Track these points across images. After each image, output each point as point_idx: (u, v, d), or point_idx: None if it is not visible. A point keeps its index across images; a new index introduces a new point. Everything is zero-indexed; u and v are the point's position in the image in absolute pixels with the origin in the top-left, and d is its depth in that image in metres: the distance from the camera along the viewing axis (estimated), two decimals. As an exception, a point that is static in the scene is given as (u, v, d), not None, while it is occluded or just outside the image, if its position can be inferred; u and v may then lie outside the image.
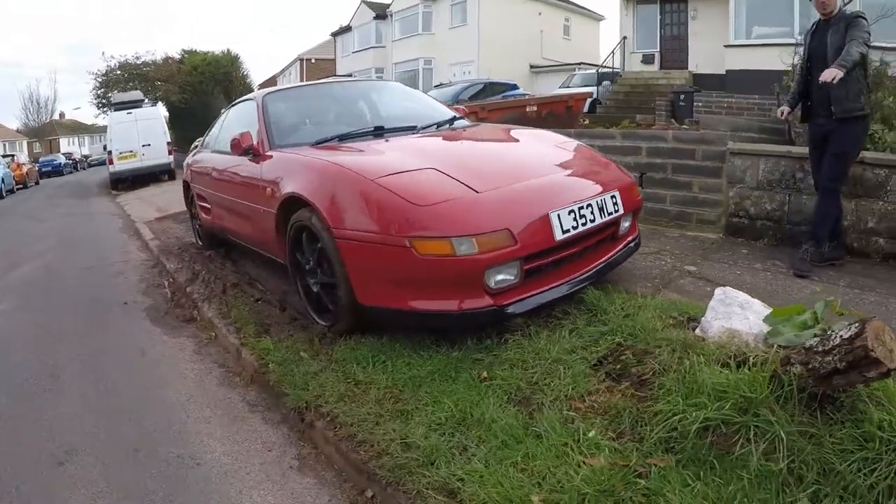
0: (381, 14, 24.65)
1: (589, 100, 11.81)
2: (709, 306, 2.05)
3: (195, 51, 19.66)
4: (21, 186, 17.44)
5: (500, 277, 2.02)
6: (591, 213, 2.30)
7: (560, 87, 14.73)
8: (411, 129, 3.10)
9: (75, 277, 4.68)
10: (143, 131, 12.53)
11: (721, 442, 1.48)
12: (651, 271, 3.07)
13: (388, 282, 2.13)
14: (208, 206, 4.17)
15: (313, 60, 30.68)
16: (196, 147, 4.97)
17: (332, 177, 2.34)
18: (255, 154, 3.05)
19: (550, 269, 2.23)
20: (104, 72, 17.29)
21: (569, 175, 2.49)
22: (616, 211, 2.46)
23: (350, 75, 22.36)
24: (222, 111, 4.54)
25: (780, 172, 3.49)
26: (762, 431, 1.43)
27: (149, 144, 12.54)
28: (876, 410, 1.46)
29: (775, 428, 1.42)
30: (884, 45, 2.98)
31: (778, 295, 2.65)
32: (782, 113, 3.06)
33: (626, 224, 2.65)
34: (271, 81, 33.22)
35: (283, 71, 34.28)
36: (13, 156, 20.04)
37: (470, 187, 2.11)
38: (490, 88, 12.33)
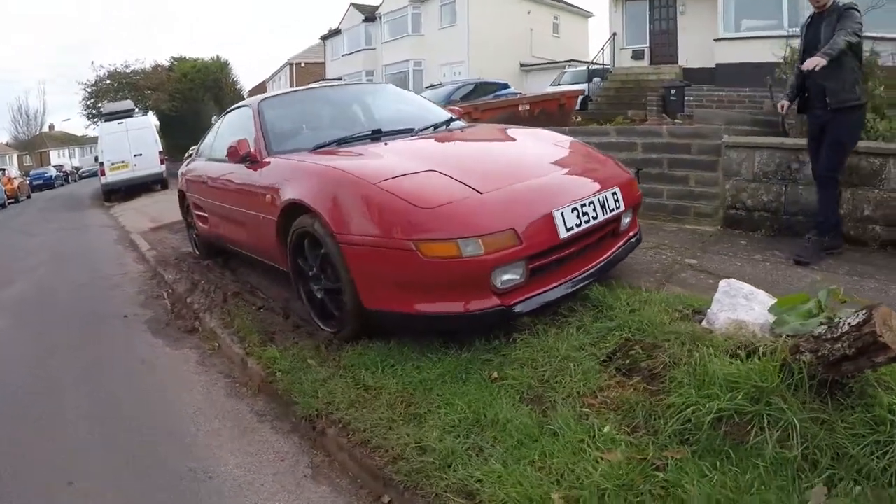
0: (371, 16, 24.66)
1: (580, 97, 11.87)
2: (714, 298, 2.07)
3: (184, 58, 19.58)
4: (13, 201, 17.27)
5: (506, 277, 2.03)
6: (594, 210, 2.31)
7: (551, 85, 14.77)
8: (409, 132, 3.10)
9: (72, 291, 4.64)
10: (135, 141, 12.45)
11: (735, 432, 1.49)
12: (652, 266, 3.09)
13: (394, 285, 2.13)
14: (205, 214, 4.15)
15: (303, 65, 30.62)
16: (190, 156, 4.94)
17: (334, 182, 2.34)
18: (253, 161, 3.04)
19: (555, 268, 2.23)
20: (93, 82, 17.20)
21: (570, 173, 2.50)
22: (617, 207, 2.47)
23: (340, 79, 22.39)
24: (213, 118, 4.53)
25: (775, 164, 3.52)
26: (775, 420, 1.45)
27: (140, 154, 12.46)
28: (885, 394, 1.48)
29: (788, 416, 1.44)
30: (874, 34, 3.01)
31: (779, 285, 2.67)
32: (782, 107, 3.09)
33: (626, 220, 2.66)
34: (261, 87, 33.10)
35: (272, 76, 34.17)
36: (4, 170, 19.85)
37: (473, 188, 2.12)
38: (482, 88, 12.34)
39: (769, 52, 5.77)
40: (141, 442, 2.16)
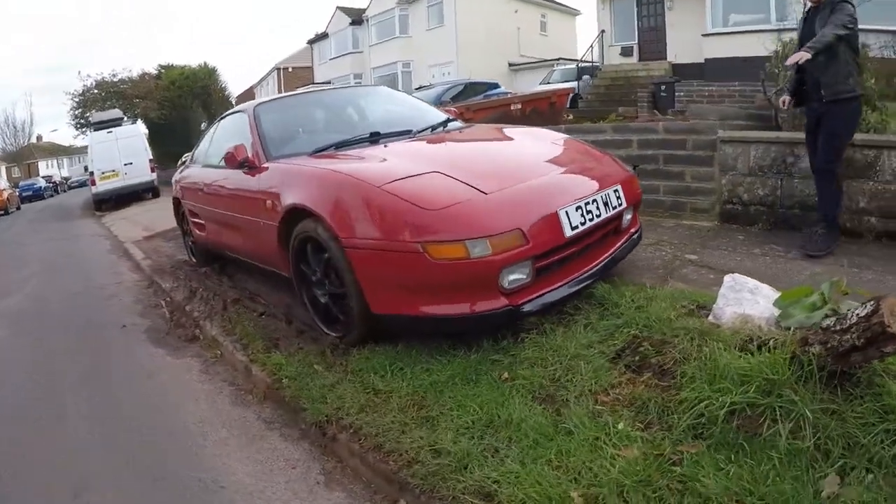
0: (358, 19, 24.61)
1: (570, 95, 11.92)
2: (719, 293, 2.08)
3: (172, 65, 19.45)
4: (2, 213, 17.05)
5: (513, 277, 2.03)
6: (597, 208, 2.32)
7: (540, 84, 14.82)
8: (407, 134, 3.10)
9: (68, 302, 4.58)
10: (125, 150, 12.34)
11: (747, 425, 1.51)
12: (653, 262, 3.11)
13: (401, 288, 2.12)
14: (202, 222, 4.12)
15: (290, 69, 30.49)
16: (184, 163, 4.91)
17: (336, 185, 2.33)
18: (251, 167, 3.02)
19: (560, 267, 2.24)
20: (81, 91, 17.04)
21: (572, 172, 2.51)
22: (619, 205, 2.48)
23: (329, 82, 22.32)
24: (203, 125, 4.50)
25: (770, 158, 3.56)
26: (787, 411, 1.47)
27: (131, 163, 12.35)
28: (893, 383, 1.50)
29: (800, 407, 1.46)
30: (864, 27, 3.05)
31: (780, 278, 2.70)
32: (783, 102, 3.12)
33: (627, 217, 2.67)
34: (248, 92, 32.93)
35: (260, 81, 33.99)
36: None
37: (477, 189, 2.12)
38: (472, 88, 12.35)
39: (757, 47, 5.86)
40: (147, 452, 2.13)
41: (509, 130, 3.34)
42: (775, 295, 2.04)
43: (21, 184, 27.62)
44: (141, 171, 12.55)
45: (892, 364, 1.59)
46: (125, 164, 12.34)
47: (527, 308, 2.05)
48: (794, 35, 3.76)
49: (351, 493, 1.73)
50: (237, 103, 23.07)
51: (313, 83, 24.04)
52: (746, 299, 2.03)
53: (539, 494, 1.34)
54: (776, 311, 1.94)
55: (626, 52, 13.94)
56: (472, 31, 20.09)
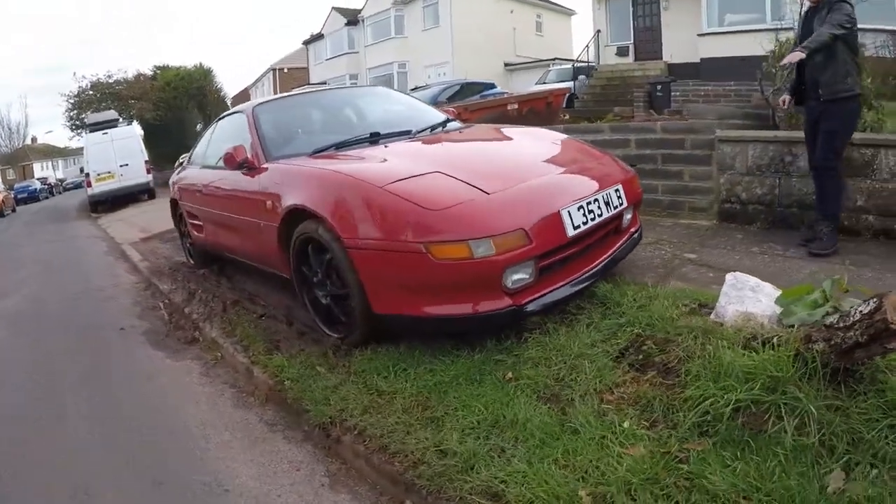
0: (353, 20, 24.59)
1: (566, 95, 11.93)
2: (721, 292, 2.09)
3: (167, 66, 19.36)
4: (-2, 214, 16.98)
5: (516, 277, 2.03)
6: (598, 207, 2.32)
7: (536, 84, 14.84)
8: (406, 134, 3.09)
9: (66, 304, 4.54)
10: (120, 151, 12.29)
11: (752, 422, 1.51)
12: (653, 261, 3.12)
13: (404, 289, 2.12)
14: (200, 223, 4.10)
15: (286, 70, 30.45)
16: (181, 164, 4.89)
17: (338, 186, 2.32)
18: (251, 167, 3.01)
19: (562, 266, 2.24)
20: (76, 93, 16.94)
21: (573, 171, 2.52)
22: (620, 204, 2.49)
23: (324, 83, 22.29)
24: (199, 127, 4.49)
25: (768, 157, 3.57)
26: (791, 408, 1.48)
27: (127, 164, 12.30)
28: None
29: (804, 404, 1.47)
30: (861, 27, 3.07)
31: (779, 276, 2.71)
32: (783, 101, 3.13)
33: (628, 216, 2.68)
34: (244, 93, 32.83)
35: (255, 82, 33.90)
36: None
37: (480, 189, 2.12)
38: (468, 89, 12.36)
39: (753, 46, 5.89)
40: (149, 455, 2.12)
41: (508, 130, 3.34)
42: (776, 293, 2.05)
43: (16, 186, 27.54)
44: (137, 172, 12.50)
45: (894, 360, 1.60)
46: (121, 166, 12.28)
47: (530, 308, 2.06)
48: (791, 35, 3.78)
49: (356, 494, 1.73)
50: (232, 104, 23.03)
51: (309, 84, 24.01)
52: (748, 297, 2.04)
53: (547, 494, 1.34)
54: (778, 309, 1.95)
55: (621, 51, 13.99)
56: (467, 32, 20.11)
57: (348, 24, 24.75)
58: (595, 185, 2.41)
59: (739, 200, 3.74)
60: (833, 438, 1.42)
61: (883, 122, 3.81)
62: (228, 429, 2.27)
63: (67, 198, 23.74)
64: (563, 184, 2.35)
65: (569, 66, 15.21)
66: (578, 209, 2.21)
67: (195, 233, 4.27)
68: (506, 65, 21.35)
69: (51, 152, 43.63)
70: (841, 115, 2.86)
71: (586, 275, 2.30)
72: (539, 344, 2.06)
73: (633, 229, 2.76)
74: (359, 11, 24.44)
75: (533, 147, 2.88)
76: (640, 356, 1.88)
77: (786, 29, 5.02)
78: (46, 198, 27.25)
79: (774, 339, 1.65)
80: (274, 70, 30.86)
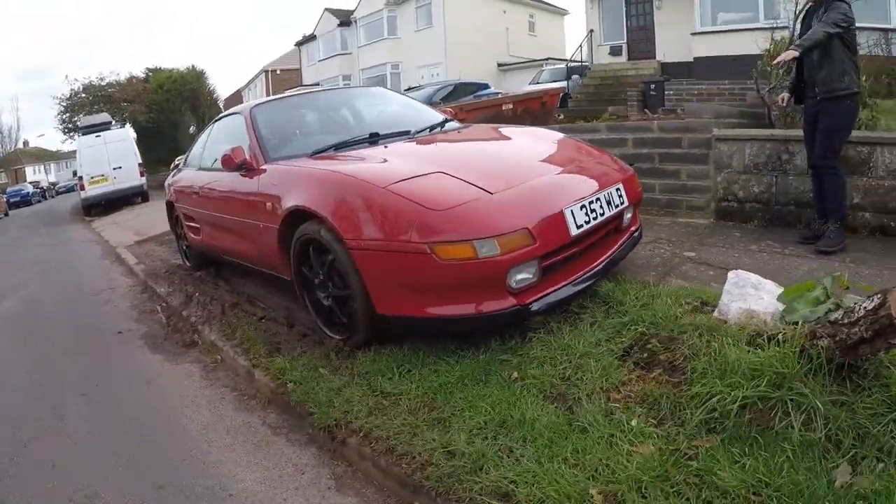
0: (346, 21, 24.53)
1: (560, 94, 11.97)
2: (724, 289, 2.10)
3: (160, 68, 19.26)
4: (-10, 219, 16.83)
5: (520, 277, 2.03)
6: (600, 207, 2.33)
7: (530, 84, 14.88)
8: (405, 134, 3.08)
9: (63, 309, 4.50)
10: (113, 154, 12.22)
11: (760, 418, 1.52)
12: (652, 260, 3.13)
13: (407, 289, 2.11)
14: (196, 225, 4.07)
15: (278, 71, 30.32)
16: (177, 166, 4.85)
17: (340, 187, 2.31)
18: (249, 169, 2.99)
19: (565, 266, 2.24)
20: (68, 96, 16.83)
21: (574, 171, 2.52)
22: (621, 203, 2.50)
23: (318, 84, 22.22)
24: (192, 129, 4.47)
25: (765, 155, 3.60)
26: (798, 404, 1.49)
27: (120, 167, 12.23)
28: (899, 374, 1.52)
29: (810, 399, 1.48)
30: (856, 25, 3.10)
31: (779, 274, 2.73)
32: (782, 99, 3.16)
33: (628, 215, 2.69)
34: (236, 95, 32.67)
35: (248, 84, 33.73)
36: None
37: (483, 189, 2.11)
38: (462, 89, 12.37)
39: (746, 45, 5.93)
40: (151, 460, 2.10)
41: (507, 130, 3.34)
42: (778, 290, 2.06)
43: (8, 189, 27.39)
44: (130, 175, 12.43)
45: (897, 356, 1.61)
46: (114, 169, 12.22)
47: (535, 307, 2.05)
48: (786, 34, 3.81)
49: (363, 497, 1.72)
50: (225, 106, 22.90)
51: (302, 85, 23.94)
52: (751, 295, 2.05)
53: (558, 493, 1.34)
54: (780, 306, 1.96)
55: (615, 51, 14.04)
56: (460, 32, 20.11)
57: (341, 25, 24.70)
58: (596, 184, 2.41)
59: (737, 199, 3.77)
60: (839, 433, 1.43)
61: (877, 120, 3.85)
62: (230, 432, 2.25)
63: (60, 201, 23.58)
64: (565, 183, 2.36)
65: (562, 65, 15.24)
66: (581, 208, 2.21)
67: (192, 235, 4.24)
68: (499, 65, 21.38)
69: (43, 156, 43.38)
70: (838, 114, 2.88)
71: (588, 274, 2.30)
72: (543, 343, 2.06)
73: (633, 228, 2.77)
74: (351, 12, 24.38)
75: (533, 147, 2.88)
76: (645, 354, 1.88)
77: (780, 28, 5.06)
78: (39, 201, 27.17)
79: (779, 336, 1.66)
80: (266, 72, 30.73)
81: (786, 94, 3.14)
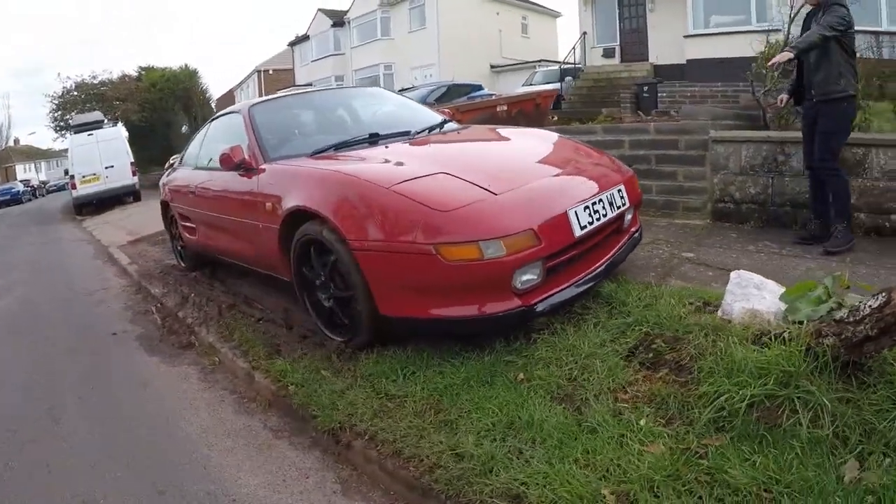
0: (339, 21, 24.45)
1: (556, 96, 12.00)
2: (727, 289, 2.11)
3: (153, 67, 19.08)
4: (-21, 218, 16.54)
5: (525, 278, 2.02)
6: (603, 208, 2.33)
7: (523, 85, 14.91)
8: (405, 135, 3.07)
9: (56, 310, 4.42)
10: (106, 153, 12.06)
11: (767, 416, 1.53)
12: (651, 261, 3.15)
13: (412, 291, 2.10)
14: (192, 225, 4.03)
15: (271, 71, 30.14)
16: (171, 165, 4.80)
17: (343, 187, 2.29)
18: (248, 168, 2.96)
19: (568, 266, 2.24)
20: (60, 94, 16.62)
21: (576, 172, 2.52)
22: (623, 204, 2.51)
23: (310, 84, 22.13)
24: (183, 128, 4.43)
25: (761, 157, 3.63)
26: (805, 402, 1.50)
27: (112, 166, 12.08)
28: (904, 372, 1.54)
29: (817, 397, 1.49)
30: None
31: (777, 274, 2.74)
32: (781, 100, 3.19)
33: (628, 216, 2.70)
34: (229, 95, 32.43)
35: (240, 84, 33.49)
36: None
37: (487, 189, 2.11)
38: (455, 90, 12.37)
39: (739, 48, 5.99)
40: (151, 466, 2.06)
41: (506, 131, 3.34)
42: (780, 290, 2.08)
43: (-2, 188, 27.00)
44: (122, 174, 12.29)
45: (899, 353, 1.63)
46: (106, 168, 12.07)
47: (540, 308, 2.05)
48: (780, 36, 3.85)
49: (370, 501, 1.70)
50: (217, 106, 22.72)
51: (294, 86, 23.83)
52: (753, 295, 2.06)
53: (570, 494, 1.34)
54: (783, 306, 1.98)
55: (608, 53, 14.12)
56: (453, 33, 20.13)
57: (334, 25, 24.62)
58: (599, 185, 2.41)
59: (733, 200, 3.80)
60: (846, 430, 1.44)
61: (870, 122, 3.90)
62: (231, 435, 2.22)
63: (51, 200, 23.26)
64: (568, 184, 2.36)
65: (555, 67, 15.30)
66: (585, 209, 2.21)
67: (187, 235, 4.19)
68: (492, 66, 21.42)
69: (34, 154, 42.86)
70: (835, 116, 2.91)
71: (591, 274, 2.31)
72: (548, 344, 2.05)
73: (633, 229, 2.78)
74: (345, 13, 24.32)
75: (533, 148, 2.88)
76: (651, 354, 1.89)
77: (773, 30, 5.12)
78: (29, 200, 26.77)
79: (784, 335, 1.67)
80: (259, 71, 30.54)
81: (785, 95, 3.18)
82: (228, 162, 2.94)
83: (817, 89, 2.94)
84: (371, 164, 2.50)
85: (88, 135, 12.30)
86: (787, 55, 2.84)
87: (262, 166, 2.89)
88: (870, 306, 1.54)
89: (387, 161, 2.51)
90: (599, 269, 2.36)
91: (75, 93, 16.77)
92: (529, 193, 2.16)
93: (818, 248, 3.08)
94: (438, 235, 1.94)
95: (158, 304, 3.99)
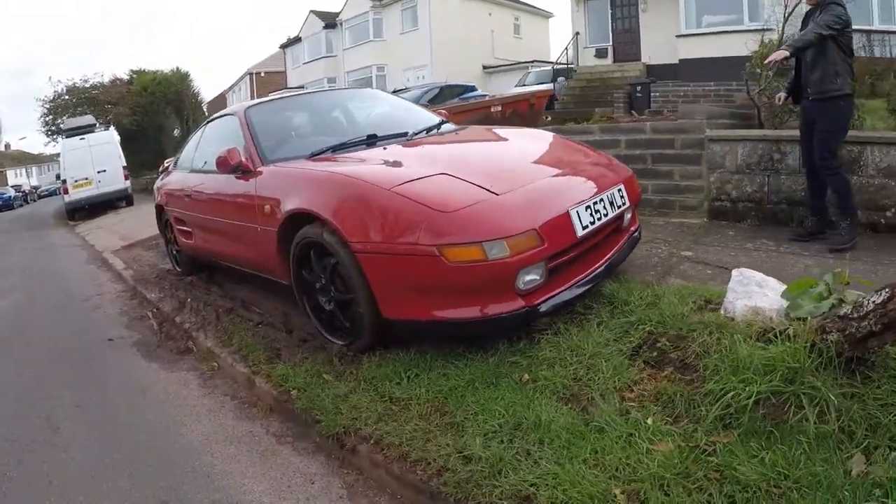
0: (331, 23, 24.41)
1: (550, 96, 12.03)
2: (729, 287, 2.12)
3: (144, 70, 18.96)
4: (-29, 224, 16.35)
5: (528, 278, 2.02)
6: (604, 207, 2.34)
7: (516, 86, 14.95)
8: (403, 136, 3.06)
9: (51, 316, 4.36)
10: (98, 157, 11.98)
11: (773, 412, 1.54)
12: (650, 260, 3.15)
13: (415, 293, 2.09)
14: (188, 229, 3.99)
15: (263, 74, 30.05)
16: (166, 168, 4.75)
17: (343, 188, 2.28)
18: (245, 171, 2.93)
19: (570, 266, 2.24)
20: (52, 98, 16.49)
21: (576, 172, 2.52)
22: (623, 204, 2.51)
23: (302, 86, 22.06)
24: (175, 132, 4.40)
25: (757, 155, 3.66)
26: (811, 397, 1.50)
27: (104, 170, 12.00)
28: (908, 367, 1.55)
29: (823, 392, 1.50)
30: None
31: (775, 271, 2.74)
32: (779, 99, 3.21)
33: (628, 216, 2.70)
34: (220, 98, 32.27)
35: (232, 86, 33.34)
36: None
37: (489, 190, 2.10)
38: (448, 91, 12.38)
39: (731, 47, 6.03)
40: (153, 475, 2.02)
41: (504, 132, 3.34)
42: (781, 287, 2.09)
43: (-10, 193, 26.69)
44: (114, 178, 12.20)
45: (902, 348, 1.64)
46: (98, 172, 11.98)
47: (543, 308, 2.05)
48: (774, 36, 3.88)
49: (377, 505, 1.69)
50: (209, 109, 22.59)
51: (286, 88, 23.75)
52: (755, 292, 2.07)
53: (581, 494, 1.33)
54: (785, 303, 1.99)
55: (600, 53, 14.19)
56: (446, 34, 20.16)
57: (326, 27, 24.57)
58: (599, 184, 2.42)
59: (730, 198, 3.82)
60: (852, 425, 1.46)
61: (863, 120, 3.94)
62: (233, 442, 2.19)
63: (42, 205, 23.06)
64: (569, 184, 2.36)
65: (548, 68, 15.35)
66: (586, 209, 2.22)
67: (183, 239, 4.16)
68: (484, 67, 21.47)
69: (24, 159, 42.44)
70: (832, 115, 2.93)
71: (593, 274, 2.31)
72: (552, 345, 2.05)
73: (632, 228, 2.78)
74: (337, 15, 24.28)
75: (532, 148, 2.89)
76: (655, 353, 1.89)
77: (767, 30, 5.16)
78: (21, 205, 26.55)
79: (789, 331, 1.67)
80: (251, 74, 30.42)
81: (783, 94, 3.20)
82: (225, 164, 2.92)
83: (813, 88, 2.96)
84: (371, 165, 2.49)
85: (80, 139, 12.22)
86: (783, 53, 2.86)
87: (260, 168, 2.86)
88: (873, 302, 1.55)
89: (386, 162, 2.50)
90: (600, 269, 2.36)
91: (67, 96, 16.65)
92: (531, 194, 2.16)
93: (815, 245, 3.10)
94: (441, 237, 1.93)
95: (155, 310, 3.95)
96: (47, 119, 16.42)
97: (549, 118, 10.89)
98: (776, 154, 3.56)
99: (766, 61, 3.02)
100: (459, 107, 9.23)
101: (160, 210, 4.60)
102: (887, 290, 1.54)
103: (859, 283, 1.98)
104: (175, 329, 3.51)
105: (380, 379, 2.12)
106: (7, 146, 42.38)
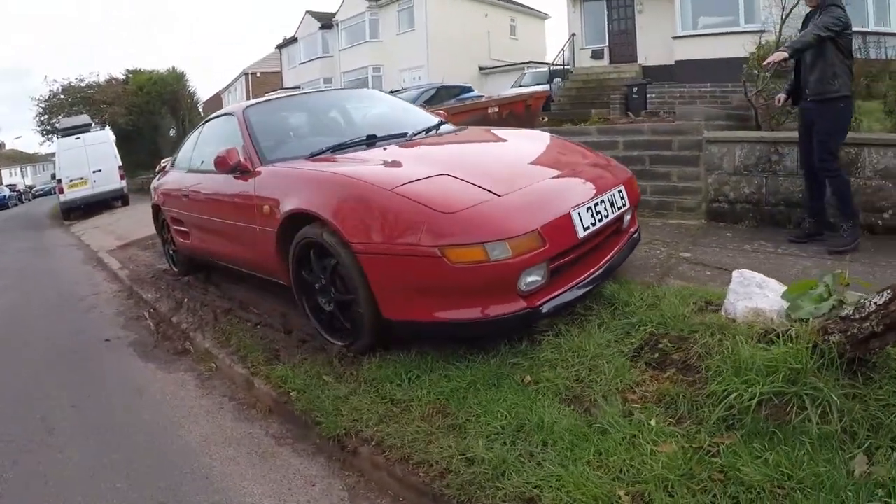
0: (327, 24, 24.37)
1: (547, 97, 12.05)
2: (729, 289, 2.12)
3: (140, 70, 18.87)
4: (-34, 224, 16.21)
5: (530, 279, 2.02)
6: (605, 208, 2.34)
7: (512, 87, 14.96)
8: (402, 136, 3.05)
9: (47, 316, 4.32)
10: (93, 156, 11.89)
11: (776, 413, 1.54)
12: (650, 261, 3.16)
13: (416, 294, 2.08)
14: (185, 229, 3.97)
15: (259, 74, 29.95)
16: (163, 168, 4.72)
17: (343, 189, 2.27)
18: (244, 171, 2.92)
19: (571, 267, 2.24)
20: (47, 97, 16.38)
21: (577, 173, 2.52)
22: (624, 205, 2.52)
23: (298, 87, 22.01)
24: (171, 131, 4.37)
25: (755, 157, 3.67)
26: (813, 398, 1.51)
27: (100, 170, 11.91)
28: (907, 367, 1.56)
29: (825, 393, 1.50)
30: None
31: (774, 273, 2.75)
32: (779, 100, 3.22)
33: (628, 217, 2.71)
34: (216, 98, 32.15)
35: (228, 87, 33.21)
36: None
37: (490, 191, 2.10)
38: (445, 92, 12.36)
39: (727, 49, 6.05)
40: (152, 477, 2.00)
41: (503, 132, 3.34)
42: (781, 288, 2.10)
43: (-16, 193, 26.51)
44: (110, 178, 12.12)
45: (902, 349, 1.65)
46: (94, 172, 11.91)
47: (545, 309, 2.05)
48: (771, 38, 3.90)
49: (379, 507, 1.68)
50: (205, 109, 22.49)
51: (282, 88, 23.69)
52: (756, 293, 2.08)
53: (585, 496, 1.33)
54: (785, 304, 1.99)
55: (596, 54, 14.22)
56: (442, 35, 20.17)
57: (322, 27, 24.53)
58: (600, 185, 2.42)
59: (727, 200, 3.83)
60: (854, 425, 1.46)
61: (859, 122, 3.96)
62: (232, 444, 2.17)
63: (37, 205, 22.94)
64: (570, 185, 2.36)
65: (544, 69, 15.38)
66: (587, 210, 2.22)
67: (180, 239, 4.13)
68: (480, 68, 21.48)
69: (19, 158, 42.17)
70: (831, 117, 2.95)
71: (594, 275, 2.31)
72: (553, 346, 2.05)
73: (632, 229, 2.79)
74: (333, 15, 24.24)
75: (532, 149, 2.89)
76: (657, 354, 1.89)
77: (765, 31, 5.18)
78: (16, 205, 26.39)
79: (791, 333, 1.68)
80: (247, 74, 30.31)
81: (783, 95, 3.21)
82: (224, 164, 2.90)
83: (812, 89, 2.98)
84: (371, 165, 2.48)
85: (76, 138, 12.14)
86: (782, 55, 2.87)
87: (259, 169, 2.85)
88: (875, 303, 1.56)
89: (387, 163, 2.49)
90: (601, 270, 2.36)
91: (62, 96, 16.58)
92: (532, 195, 2.15)
93: (813, 246, 3.12)
94: (443, 237, 1.92)
95: (151, 310, 3.92)
96: (43, 118, 16.35)
97: (546, 119, 10.92)
98: (774, 155, 3.58)
99: (764, 63, 3.04)
100: (456, 107, 9.22)
101: (157, 210, 4.57)
102: (889, 291, 1.55)
103: (858, 284, 1.99)
104: (172, 329, 3.49)
105: (380, 380, 2.11)
106: (2, 145, 42.14)
